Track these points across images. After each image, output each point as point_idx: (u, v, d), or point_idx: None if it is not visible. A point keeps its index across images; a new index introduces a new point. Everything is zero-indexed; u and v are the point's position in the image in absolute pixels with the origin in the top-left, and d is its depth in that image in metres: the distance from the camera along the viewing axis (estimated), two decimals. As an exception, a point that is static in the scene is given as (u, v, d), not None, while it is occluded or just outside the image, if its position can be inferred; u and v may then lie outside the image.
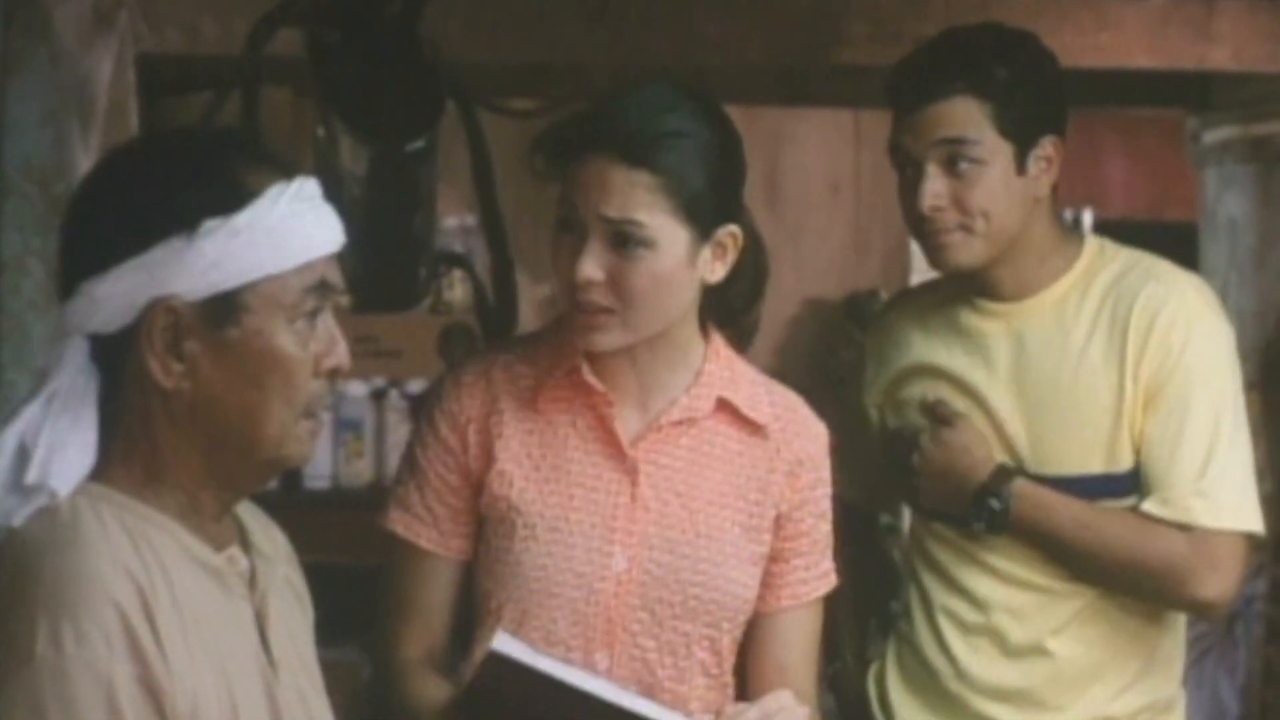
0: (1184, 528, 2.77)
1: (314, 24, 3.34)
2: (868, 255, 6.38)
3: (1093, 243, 2.88)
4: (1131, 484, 2.81)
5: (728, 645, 2.47)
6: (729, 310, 2.50)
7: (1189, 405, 2.78)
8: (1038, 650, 2.85)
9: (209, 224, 1.85)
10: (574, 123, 2.41)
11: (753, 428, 2.47)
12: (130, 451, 1.91)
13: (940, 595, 2.90)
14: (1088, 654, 2.84)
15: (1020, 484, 2.79)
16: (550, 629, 2.39)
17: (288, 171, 1.91)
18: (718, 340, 2.49)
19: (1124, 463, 2.80)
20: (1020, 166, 2.77)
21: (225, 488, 1.94)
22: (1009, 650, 2.86)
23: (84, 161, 3.35)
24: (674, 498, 2.43)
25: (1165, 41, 4.47)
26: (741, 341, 2.56)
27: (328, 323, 1.93)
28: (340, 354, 1.92)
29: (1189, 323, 2.79)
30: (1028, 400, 2.83)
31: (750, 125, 6.94)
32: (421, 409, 2.57)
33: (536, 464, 2.42)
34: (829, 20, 4.37)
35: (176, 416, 1.89)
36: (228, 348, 1.87)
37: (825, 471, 2.52)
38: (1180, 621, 2.91)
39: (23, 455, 1.87)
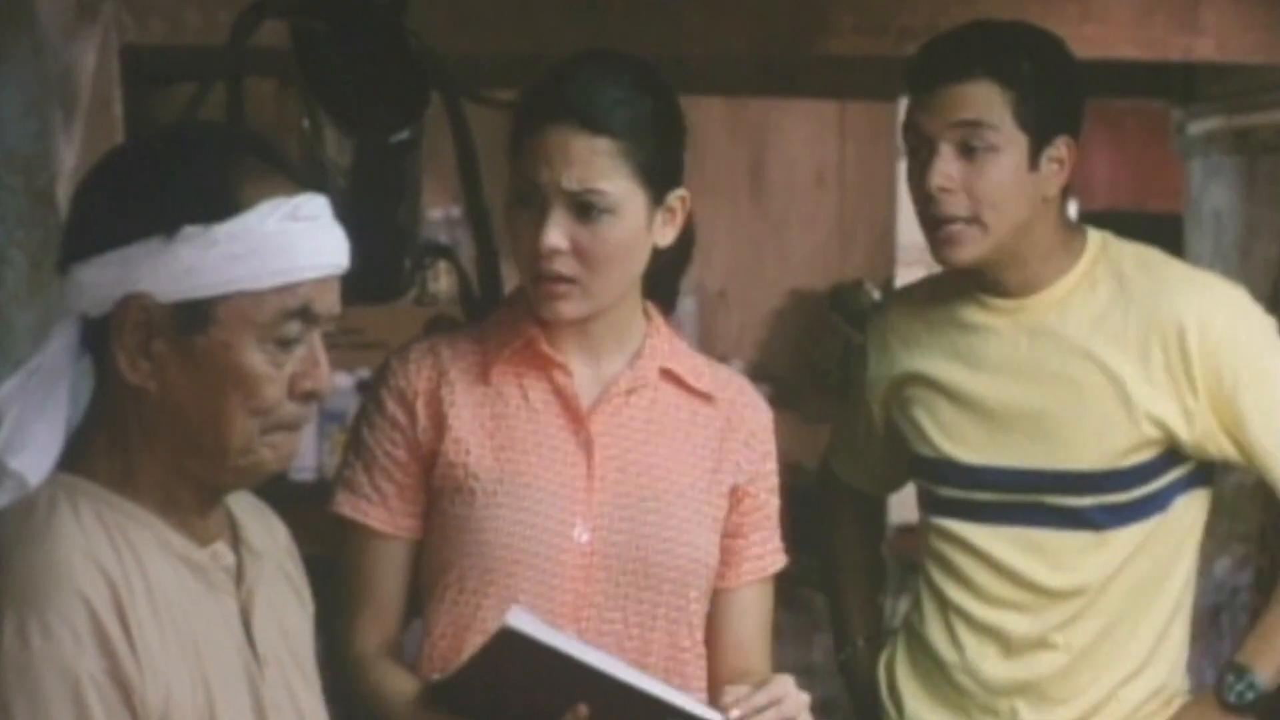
0: None
1: (299, 15, 3.33)
2: (852, 246, 6.38)
3: (1095, 238, 2.87)
4: (1149, 473, 2.82)
5: (697, 614, 2.48)
6: (655, 278, 2.51)
7: (1272, 389, 2.80)
8: (1043, 644, 2.86)
9: (188, 230, 1.84)
10: (527, 97, 2.43)
11: (700, 396, 2.50)
12: (110, 444, 1.90)
13: (950, 590, 2.91)
14: (1092, 647, 2.86)
15: (1247, 665, 2.83)
16: (518, 598, 2.38)
17: (293, 186, 1.89)
18: (657, 317, 2.53)
19: (1140, 455, 2.81)
20: (1033, 162, 2.76)
21: (196, 486, 1.92)
22: (1015, 644, 2.87)
23: (67, 153, 3.34)
24: (631, 466, 2.45)
25: (1150, 33, 4.47)
26: (665, 311, 2.58)
27: (311, 345, 1.90)
28: (320, 378, 1.90)
29: (1223, 323, 2.80)
30: (1036, 396, 2.83)
31: (736, 117, 6.97)
32: (366, 391, 2.56)
33: (490, 434, 2.43)
34: (814, 11, 4.36)
35: (144, 414, 1.88)
36: (193, 355, 1.86)
37: (774, 446, 2.56)
38: (1185, 612, 2.92)
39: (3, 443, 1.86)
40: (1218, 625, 4.94)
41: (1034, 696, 2.87)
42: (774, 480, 2.56)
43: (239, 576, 1.96)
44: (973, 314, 2.88)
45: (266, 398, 1.88)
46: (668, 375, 2.49)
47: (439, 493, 2.43)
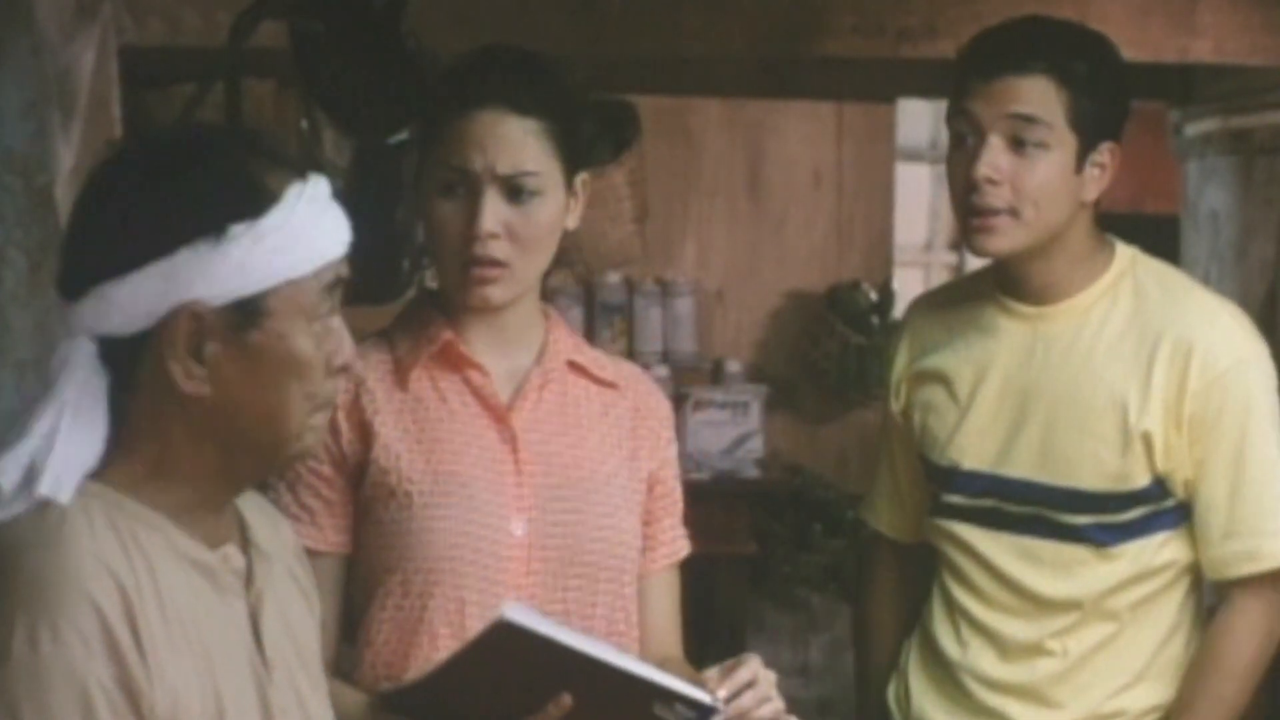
0: (1269, 575, 2.79)
1: (297, 16, 3.34)
2: (850, 247, 6.38)
3: (1124, 254, 2.85)
4: (1148, 497, 2.81)
5: (631, 599, 2.50)
6: None
7: (1246, 447, 2.77)
8: (1039, 649, 2.86)
9: (235, 228, 1.84)
10: (446, 88, 2.45)
11: (606, 386, 2.53)
12: (132, 449, 1.89)
13: (955, 590, 2.91)
14: (1089, 654, 2.85)
15: None
16: (464, 598, 2.39)
17: (301, 171, 1.90)
18: (554, 312, 2.56)
19: (1135, 481, 2.80)
20: (1079, 164, 2.75)
21: (233, 483, 1.94)
22: (1012, 647, 2.87)
23: (65, 153, 3.34)
24: (554, 457, 2.47)
25: (1147, 34, 4.47)
26: None
27: (337, 321, 1.93)
28: (348, 351, 1.93)
29: (1230, 364, 2.77)
30: (1041, 409, 2.82)
31: (733, 117, 6.95)
32: None
33: (417, 438, 2.43)
34: (812, 12, 4.37)
35: (194, 418, 1.88)
36: (249, 351, 1.86)
37: (674, 434, 2.59)
38: (1190, 629, 2.91)
39: (33, 471, 1.83)
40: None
41: (1031, 699, 2.87)
42: (677, 467, 2.59)
43: (248, 579, 1.96)
44: (992, 316, 2.87)
45: (316, 379, 1.90)
46: (574, 367, 2.52)
47: (372, 501, 2.43)
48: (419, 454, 2.42)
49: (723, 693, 2.28)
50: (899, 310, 5.78)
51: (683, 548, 2.59)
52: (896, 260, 6.50)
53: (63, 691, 1.77)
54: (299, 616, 2.04)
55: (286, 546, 2.07)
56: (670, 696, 2.20)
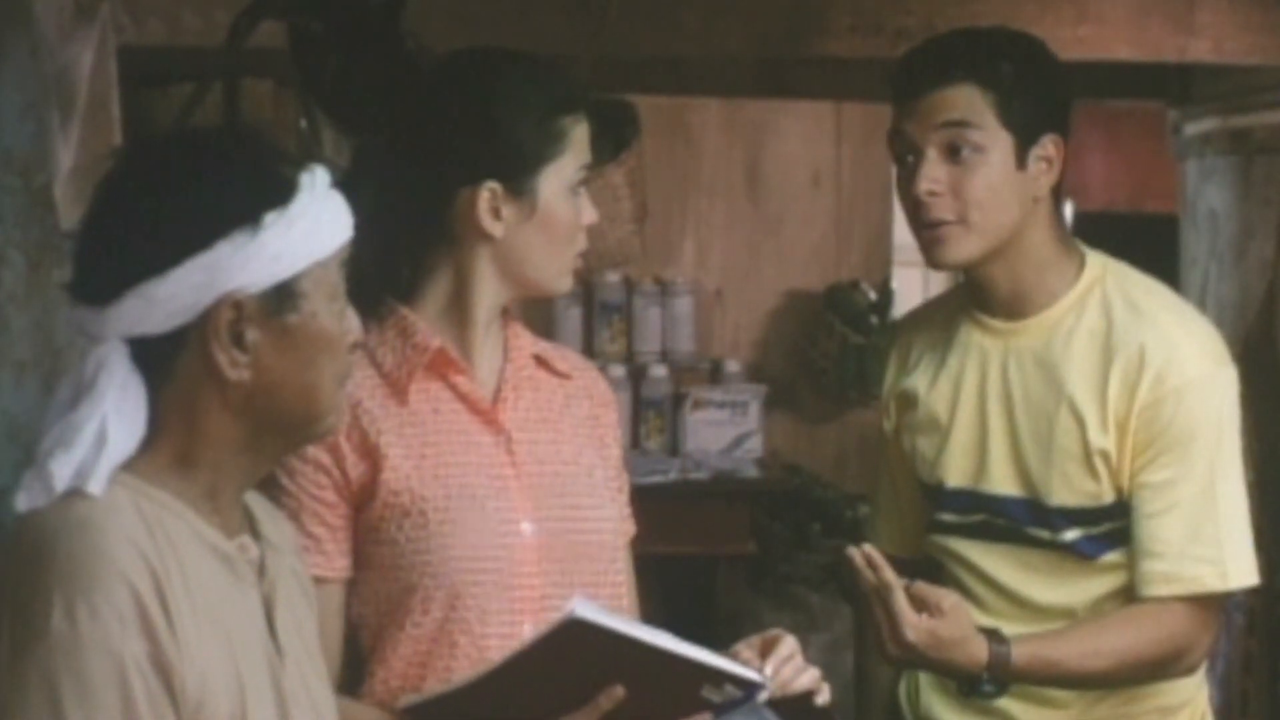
0: (1187, 598, 2.76)
1: (295, 16, 3.33)
2: (849, 247, 6.38)
3: (1095, 264, 2.83)
4: (1109, 515, 2.79)
5: (622, 582, 2.52)
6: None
7: (1185, 470, 2.74)
8: None
9: (269, 217, 1.91)
10: (548, 103, 2.49)
11: (564, 378, 2.56)
12: (158, 441, 1.94)
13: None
14: None
15: (1017, 657, 2.72)
16: (485, 606, 2.40)
17: (302, 161, 1.97)
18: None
19: (1103, 498, 2.79)
20: (1020, 161, 2.75)
21: (256, 467, 2.00)
22: None
23: (64, 153, 3.33)
24: (542, 453, 2.48)
25: (1146, 34, 4.47)
26: None
27: (345, 298, 2.00)
28: (356, 327, 2.01)
29: (1179, 383, 2.74)
30: (1014, 423, 2.82)
31: (732, 118, 6.96)
32: None
33: (421, 454, 2.43)
34: (811, 12, 4.37)
35: (232, 404, 1.93)
36: (287, 334, 1.93)
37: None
38: None
39: (82, 475, 1.89)
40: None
41: (1035, 700, 2.86)
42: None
43: (261, 569, 2.02)
44: (967, 332, 2.87)
45: (342, 357, 1.98)
46: (538, 361, 2.54)
47: (383, 521, 2.41)
48: (427, 470, 2.42)
49: (769, 669, 2.32)
50: (898, 310, 5.78)
51: (632, 528, 2.60)
52: (895, 260, 6.50)
53: (100, 667, 1.82)
54: (302, 610, 2.09)
55: (287, 541, 2.12)
56: (720, 677, 2.23)
